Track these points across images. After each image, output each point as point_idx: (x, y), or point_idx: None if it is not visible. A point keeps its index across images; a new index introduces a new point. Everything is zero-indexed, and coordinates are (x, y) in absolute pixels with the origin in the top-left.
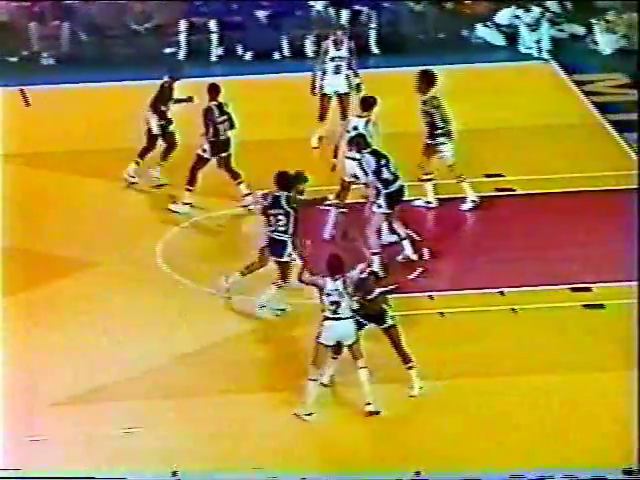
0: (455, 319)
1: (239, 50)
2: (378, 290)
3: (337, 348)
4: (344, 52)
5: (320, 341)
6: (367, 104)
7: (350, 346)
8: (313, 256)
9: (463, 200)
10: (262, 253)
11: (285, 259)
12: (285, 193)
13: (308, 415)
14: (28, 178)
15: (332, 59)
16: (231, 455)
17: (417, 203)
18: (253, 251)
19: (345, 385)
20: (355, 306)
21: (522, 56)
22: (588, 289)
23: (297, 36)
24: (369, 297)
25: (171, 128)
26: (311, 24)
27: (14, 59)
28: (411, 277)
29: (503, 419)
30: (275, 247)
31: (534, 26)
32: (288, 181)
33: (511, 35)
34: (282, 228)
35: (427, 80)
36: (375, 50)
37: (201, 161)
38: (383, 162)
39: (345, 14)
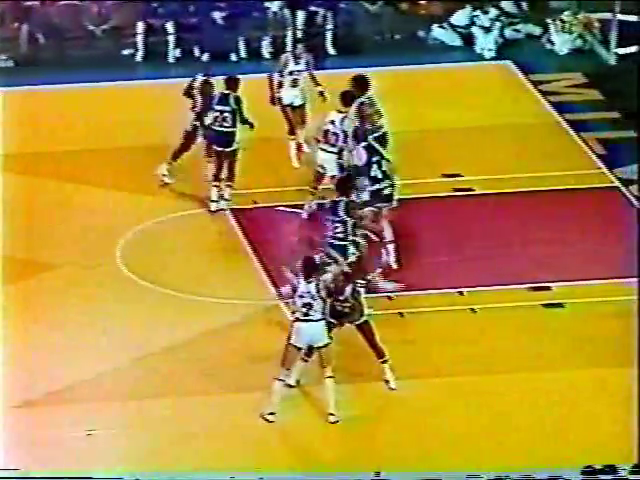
0: (415, 319)
1: (196, 51)
2: (349, 289)
3: (308, 351)
4: (302, 66)
5: (291, 342)
6: (347, 99)
7: (321, 349)
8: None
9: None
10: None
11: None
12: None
13: (270, 414)
14: None
15: (290, 73)
16: (194, 456)
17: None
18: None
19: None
20: (327, 309)
21: (478, 56)
22: (548, 288)
23: (254, 37)
24: (341, 297)
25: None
26: (267, 25)
27: None
28: (369, 278)
29: (463, 420)
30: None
31: (489, 28)
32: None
33: (467, 36)
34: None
35: (360, 85)
36: (331, 51)
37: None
38: (375, 159)
39: (301, 15)
